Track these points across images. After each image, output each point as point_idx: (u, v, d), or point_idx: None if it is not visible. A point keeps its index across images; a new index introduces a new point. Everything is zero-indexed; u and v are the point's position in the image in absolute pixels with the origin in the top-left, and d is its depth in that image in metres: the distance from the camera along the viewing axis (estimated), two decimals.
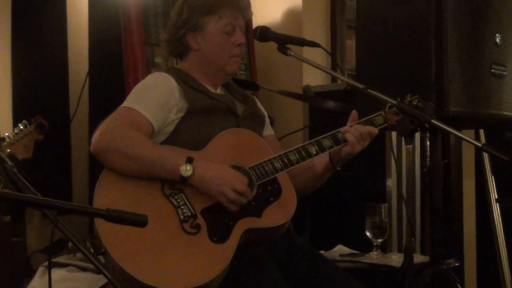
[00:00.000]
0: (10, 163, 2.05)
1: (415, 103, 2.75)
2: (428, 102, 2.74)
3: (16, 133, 2.75)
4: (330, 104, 3.30)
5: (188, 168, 2.54)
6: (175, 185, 2.58)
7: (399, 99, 2.73)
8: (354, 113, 2.80)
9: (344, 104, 3.16)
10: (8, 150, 2.68)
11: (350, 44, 4.40)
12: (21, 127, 2.78)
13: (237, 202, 2.56)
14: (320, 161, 2.81)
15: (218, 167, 2.60)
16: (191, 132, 2.70)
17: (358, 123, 2.78)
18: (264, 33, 2.88)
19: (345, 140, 2.72)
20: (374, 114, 2.81)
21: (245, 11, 2.90)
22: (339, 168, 2.81)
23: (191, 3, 2.84)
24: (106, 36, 3.93)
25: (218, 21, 2.82)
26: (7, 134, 2.75)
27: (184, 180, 2.55)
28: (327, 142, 2.73)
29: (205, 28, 2.82)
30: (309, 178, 2.87)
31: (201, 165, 2.57)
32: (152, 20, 3.81)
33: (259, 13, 4.21)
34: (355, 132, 2.72)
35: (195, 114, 2.72)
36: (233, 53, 2.84)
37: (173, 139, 2.70)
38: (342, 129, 2.75)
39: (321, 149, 2.73)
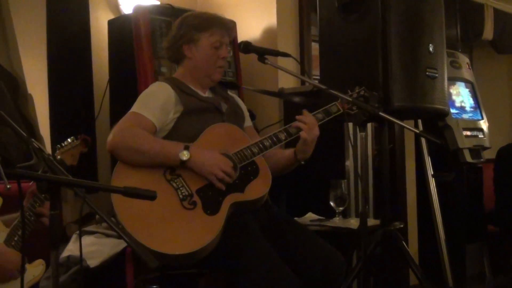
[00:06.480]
0: (47, 152, 2.05)
1: (362, 94, 2.76)
2: (372, 92, 2.74)
3: (65, 145, 2.78)
4: (298, 98, 3.29)
5: (186, 153, 2.54)
6: (174, 171, 2.58)
7: (349, 91, 2.74)
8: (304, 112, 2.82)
9: (310, 99, 3.16)
10: (59, 157, 2.70)
11: (315, 54, 4.39)
12: (69, 141, 2.80)
13: (224, 180, 2.57)
14: (287, 155, 2.83)
15: (209, 152, 2.60)
16: (186, 128, 2.70)
17: (316, 113, 2.80)
18: (247, 46, 2.87)
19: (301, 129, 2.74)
20: (330, 105, 2.82)
21: (231, 32, 2.92)
22: (303, 163, 2.82)
23: (189, 21, 2.85)
24: (122, 51, 3.90)
25: (209, 37, 2.82)
26: (58, 145, 2.78)
27: (183, 164, 2.54)
28: (293, 130, 2.75)
29: (198, 41, 2.82)
30: (278, 166, 2.86)
31: (196, 151, 2.57)
32: (158, 38, 3.79)
33: (243, 30, 4.22)
34: (303, 126, 2.74)
35: (189, 114, 2.72)
36: (218, 64, 2.84)
37: (172, 134, 2.70)
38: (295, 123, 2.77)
39: (289, 135, 2.75)
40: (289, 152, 2.83)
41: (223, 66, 2.90)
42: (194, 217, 2.51)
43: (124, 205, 2.41)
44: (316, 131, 2.76)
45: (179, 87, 2.78)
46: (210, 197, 2.56)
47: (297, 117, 2.78)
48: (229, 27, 2.91)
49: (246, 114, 3.02)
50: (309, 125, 2.74)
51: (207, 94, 2.90)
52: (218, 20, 2.87)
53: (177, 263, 2.54)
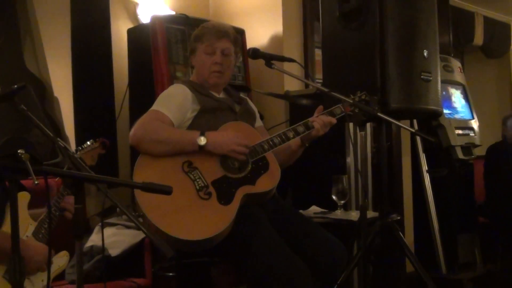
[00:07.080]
0: (72, 151, 2.06)
1: (363, 97, 2.76)
2: (373, 96, 2.74)
3: (85, 147, 2.80)
4: (303, 100, 3.28)
5: (203, 139, 2.57)
6: (191, 164, 2.59)
7: (351, 95, 2.74)
8: (320, 107, 2.84)
9: (314, 101, 3.15)
10: (80, 158, 2.72)
11: (318, 59, 4.38)
12: (89, 143, 2.82)
13: (243, 152, 2.62)
14: (294, 141, 2.82)
15: (224, 133, 2.66)
16: (202, 125, 2.71)
17: (322, 114, 2.80)
18: (255, 52, 2.86)
19: (313, 126, 2.74)
20: (334, 107, 2.83)
21: (225, 36, 2.84)
22: (307, 145, 2.85)
23: (194, 33, 2.90)
24: (141, 57, 3.92)
25: (201, 45, 2.83)
26: (79, 147, 2.80)
27: (202, 148, 2.58)
28: (300, 128, 2.76)
29: (196, 51, 2.86)
30: (287, 155, 2.89)
31: (211, 135, 2.62)
32: (174, 45, 3.80)
33: (251, 38, 4.22)
34: (320, 121, 2.76)
35: (205, 112, 2.73)
36: (212, 69, 2.83)
37: None
38: (311, 119, 2.79)
39: (296, 133, 2.76)
40: (296, 141, 2.82)
41: (219, 71, 2.84)
42: (209, 207, 2.52)
43: (146, 196, 2.42)
44: (328, 129, 2.79)
45: (195, 88, 2.80)
46: (224, 188, 2.58)
47: (318, 114, 2.81)
48: (222, 34, 2.83)
49: (257, 115, 3.03)
50: (324, 123, 2.76)
51: (221, 95, 2.92)
52: (212, 28, 2.84)
53: (193, 249, 2.55)
